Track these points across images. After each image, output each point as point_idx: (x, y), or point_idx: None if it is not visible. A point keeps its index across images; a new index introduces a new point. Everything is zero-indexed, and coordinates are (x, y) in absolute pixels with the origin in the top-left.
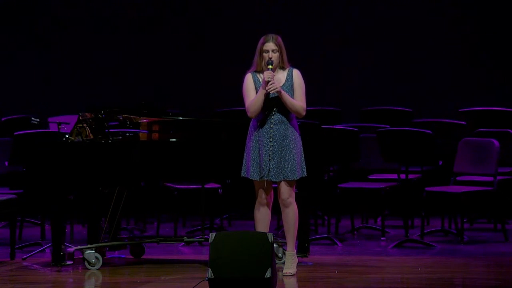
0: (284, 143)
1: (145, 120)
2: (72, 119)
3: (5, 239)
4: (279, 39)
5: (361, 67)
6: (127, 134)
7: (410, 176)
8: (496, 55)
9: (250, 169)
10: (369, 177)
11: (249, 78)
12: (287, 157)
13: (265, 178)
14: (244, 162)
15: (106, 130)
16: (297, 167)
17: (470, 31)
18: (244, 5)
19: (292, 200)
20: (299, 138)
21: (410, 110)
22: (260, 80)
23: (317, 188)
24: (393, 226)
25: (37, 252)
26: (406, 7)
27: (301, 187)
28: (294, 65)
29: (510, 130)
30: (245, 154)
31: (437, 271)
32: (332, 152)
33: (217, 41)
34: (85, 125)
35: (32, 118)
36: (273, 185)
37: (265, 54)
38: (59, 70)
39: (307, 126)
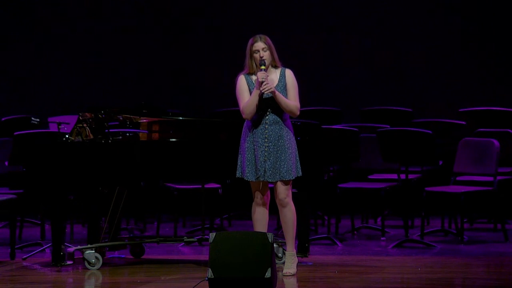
0: (279, 143)
1: (145, 120)
2: (72, 119)
3: (5, 239)
4: (268, 38)
5: (361, 67)
6: (127, 134)
7: (410, 176)
8: (496, 55)
9: (246, 170)
10: (369, 177)
11: (242, 80)
12: (282, 157)
13: (261, 179)
14: (239, 163)
15: (106, 130)
16: (292, 167)
17: (470, 31)
18: (244, 6)
19: (289, 200)
20: (293, 138)
21: (410, 110)
22: (253, 81)
23: (317, 188)
24: (393, 226)
25: (37, 252)
26: (406, 7)
27: (301, 187)
28: (290, 65)
29: (510, 130)
30: (239, 155)
31: (437, 271)
32: (332, 152)
33: (217, 41)
34: (85, 125)
35: (32, 118)
36: (269, 185)
37: (255, 55)
38: (59, 70)
39: (307, 126)
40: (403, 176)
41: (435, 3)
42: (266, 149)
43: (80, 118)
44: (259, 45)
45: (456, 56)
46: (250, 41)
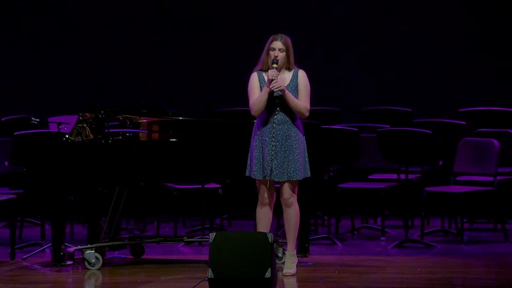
0: (287, 143)
1: (145, 120)
2: (72, 119)
3: (5, 239)
4: (288, 39)
5: (361, 67)
6: (127, 134)
7: (410, 176)
8: (496, 55)
9: (254, 168)
10: (369, 177)
11: (254, 77)
12: (290, 157)
13: (267, 178)
14: (248, 161)
15: (106, 130)
16: (300, 167)
17: (470, 31)
18: (245, 6)
19: (294, 200)
20: (303, 138)
21: (410, 110)
22: (265, 79)
23: (317, 188)
24: (393, 226)
25: (37, 252)
26: (406, 7)
27: (302, 187)
28: (299, 66)
29: (510, 130)
30: (249, 154)
31: (437, 271)
32: (332, 152)
33: (218, 41)
34: (85, 125)
35: (32, 118)
36: (276, 185)
37: (271, 52)
38: (59, 70)
39: (307, 126)
40: (403, 176)
41: (435, 3)
42: (273, 148)
43: (80, 118)
44: (277, 44)
45: (456, 56)
46: (271, 38)
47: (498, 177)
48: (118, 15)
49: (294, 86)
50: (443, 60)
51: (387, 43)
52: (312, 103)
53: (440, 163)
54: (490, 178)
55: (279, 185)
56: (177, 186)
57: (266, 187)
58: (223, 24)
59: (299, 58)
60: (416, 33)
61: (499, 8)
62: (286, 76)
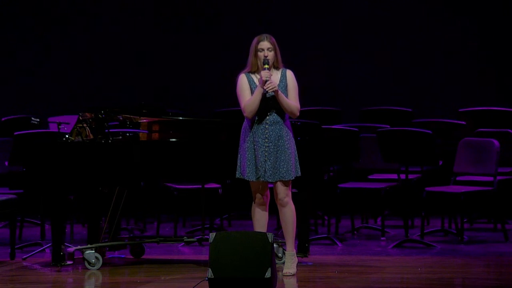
0: (279, 143)
1: (145, 120)
2: (72, 119)
3: (5, 239)
4: (273, 38)
5: (361, 67)
6: (127, 134)
7: (410, 176)
8: (496, 55)
9: (246, 170)
10: (369, 177)
11: (243, 79)
12: (282, 157)
13: (261, 179)
14: (238, 163)
15: (106, 130)
16: (292, 167)
17: (470, 31)
18: (244, 6)
19: (289, 200)
20: (293, 138)
21: (410, 110)
22: (255, 80)
23: (317, 188)
24: (393, 226)
25: (37, 252)
26: (406, 7)
27: (301, 187)
28: (291, 65)
29: (510, 130)
30: (239, 155)
31: (437, 271)
32: (332, 152)
33: (217, 41)
34: (85, 125)
35: (32, 118)
36: (269, 185)
37: (260, 53)
38: (59, 70)
39: (307, 126)
40: (403, 176)
41: (435, 3)
42: (266, 149)
43: (80, 118)
44: (265, 44)
45: (456, 56)
46: (256, 39)
47: (498, 177)
48: (118, 15)
49: (283, 86)
50: (443, 60)
51: (387, 43)
52: (312, 103)
53: (440, 163)
54: (490, 178)
55: (272, 185)
56: (177, 186)
57: (260, 188)
58: (223, 23)
59: (299, 58)
60: (416, 33)
61: (499, 8)
62: (275, 76)
